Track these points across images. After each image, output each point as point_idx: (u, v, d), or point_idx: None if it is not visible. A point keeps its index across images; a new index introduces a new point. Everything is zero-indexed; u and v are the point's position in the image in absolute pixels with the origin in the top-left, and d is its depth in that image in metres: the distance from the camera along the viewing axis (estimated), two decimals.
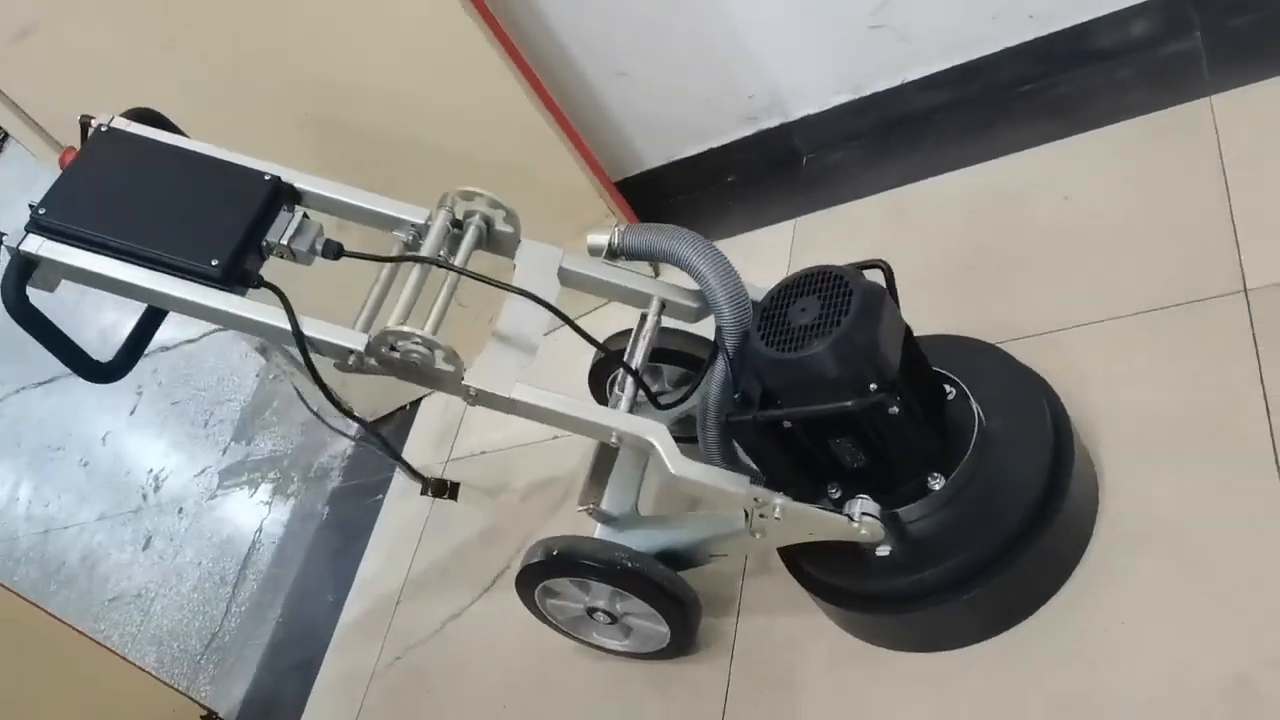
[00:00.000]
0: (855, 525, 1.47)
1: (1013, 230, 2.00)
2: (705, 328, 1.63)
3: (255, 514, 2.72)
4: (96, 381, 1.53)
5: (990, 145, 2.16)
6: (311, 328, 1.44)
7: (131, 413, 3.30)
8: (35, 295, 1.45)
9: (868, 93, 2.30)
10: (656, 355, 1.78)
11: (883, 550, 1.52)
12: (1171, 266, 1.77)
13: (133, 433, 3.26)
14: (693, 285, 1.57)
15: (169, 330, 3.38)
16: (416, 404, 2.63)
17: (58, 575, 2.93)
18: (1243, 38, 2.00)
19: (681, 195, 2.54)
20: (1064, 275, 1.88)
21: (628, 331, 1.64)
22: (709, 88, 2.33)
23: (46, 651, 2.01)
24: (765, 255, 2.27)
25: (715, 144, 2.46)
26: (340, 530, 2.51)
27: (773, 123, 2.39)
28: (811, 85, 2.31)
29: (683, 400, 1.65)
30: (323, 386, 1.49)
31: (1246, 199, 1.77)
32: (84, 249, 1.41)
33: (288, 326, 1.42)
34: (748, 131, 2.42)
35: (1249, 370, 1.59)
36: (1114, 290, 1.80)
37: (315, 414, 2.66)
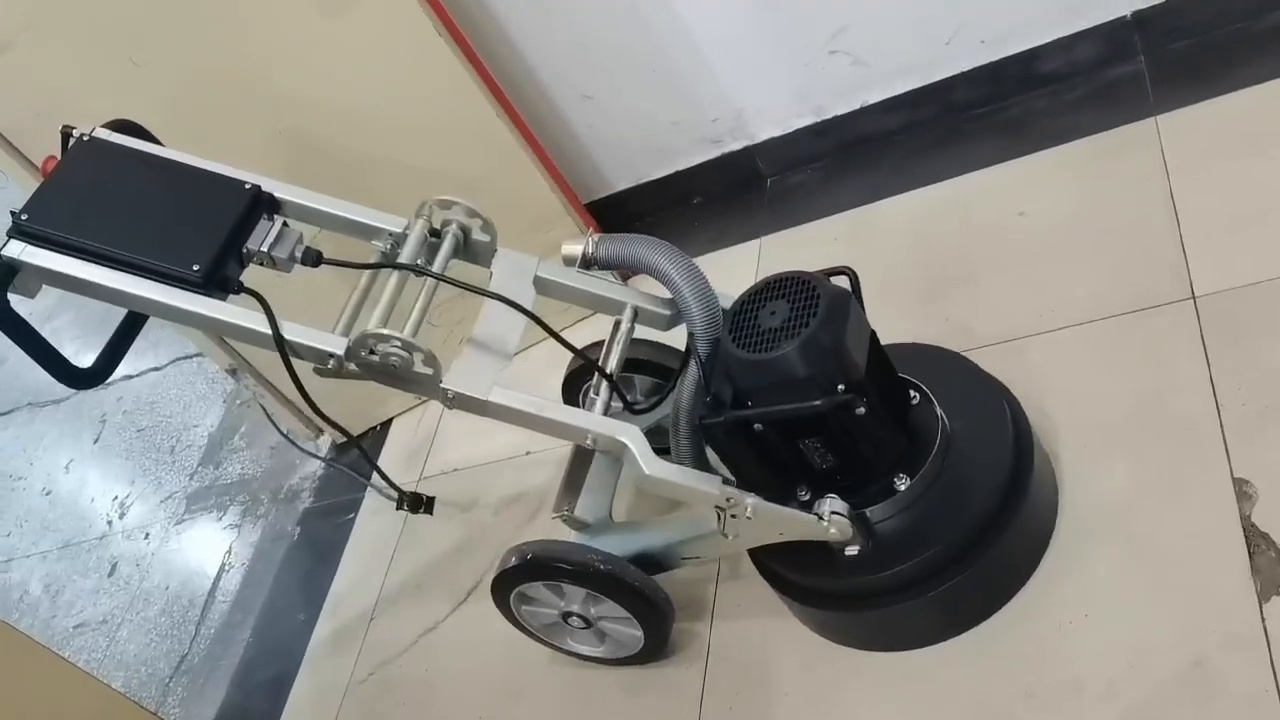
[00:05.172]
0: (824, 524, 1.51)
1: (970, 245, 2.07)
2: (676, 338, 1.67)
3: (224, 537, 2.70)
4: (76, 387, 1.54)
5: (946, 165, 2.24)
6: (292, 332, 1.46)
7: (95, 440, 3.27)
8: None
9: (828, 116, 2.37)
10: (629, 365, 1.81)
11: (851, 550, 1.56)
12: (1123, 276, 1.84)
13: (97, 460, 3.22)
14: (665, 293, 1.61)
15: (133, 359, 3.35)
16: (388, 424, 2.64)
17: (20, 604, 2.88)
18: (1184, 61, 2.09)
19: (649, 216, 2.59)
20: (1020, 287, 1.95)
21: (600, 343, 1.67)
22: (674, 111, 2.38)
23: (13, 670, 1.97)
24: (731, 274, 2.29)
25: (681, 166, 2.51)
26: (312, 550, 2.50)
27: (737, 145, 2.45)
28: (773, 109, 2.37)
29: (656, 406, 1.69)
30: (303, 392, 1.50)
31: (1192, 212, 1.85)
32: (66, 254, 1.42)
33: (268, 331, 1.44)
34: (712, 154, 2.48)
35: (1199, 371, 1.66)
36: (1069, 300, 1.87)
37: (285, 436, 2.68)
